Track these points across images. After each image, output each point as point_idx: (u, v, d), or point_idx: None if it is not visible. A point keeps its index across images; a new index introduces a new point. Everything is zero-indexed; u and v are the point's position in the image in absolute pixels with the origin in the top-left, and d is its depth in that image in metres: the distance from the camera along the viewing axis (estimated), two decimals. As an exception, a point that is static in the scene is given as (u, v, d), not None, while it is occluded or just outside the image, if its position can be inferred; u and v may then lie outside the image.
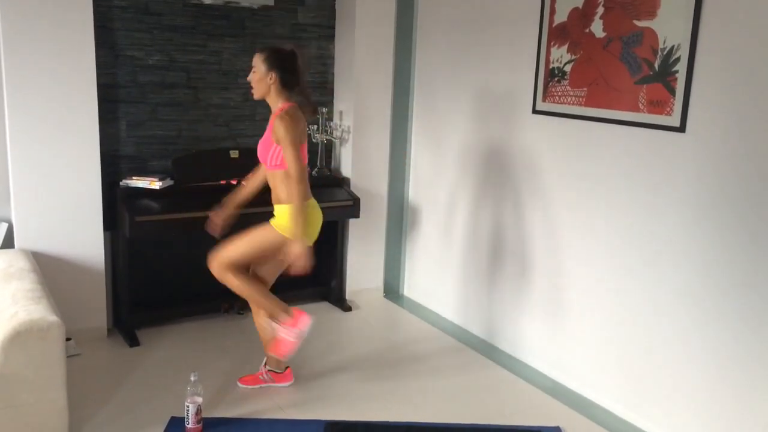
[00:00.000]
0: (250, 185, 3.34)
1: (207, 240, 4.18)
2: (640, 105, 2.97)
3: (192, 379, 2.85)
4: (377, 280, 4.65)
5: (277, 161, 3.00)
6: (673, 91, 2.84)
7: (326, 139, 4.40)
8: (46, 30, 3.36)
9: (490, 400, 3.29)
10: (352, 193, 4.29)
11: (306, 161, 3.08)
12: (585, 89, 3.23)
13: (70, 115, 3.49)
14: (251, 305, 3.28)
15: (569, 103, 3.31)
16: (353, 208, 4.23)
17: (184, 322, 4.05)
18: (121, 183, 3.73)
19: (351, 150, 4.38)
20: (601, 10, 3.12)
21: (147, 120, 3.93)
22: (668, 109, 2.86)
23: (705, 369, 2.82)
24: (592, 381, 3.34)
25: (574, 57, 3.28)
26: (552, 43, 3.39)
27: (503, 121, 3.74)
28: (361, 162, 4.41)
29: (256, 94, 3.04)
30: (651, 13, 2.90)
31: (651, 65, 2.91)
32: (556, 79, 3.38)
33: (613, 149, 3.14)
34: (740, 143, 2.63)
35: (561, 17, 3.33)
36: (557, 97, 3.38)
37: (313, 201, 3.12)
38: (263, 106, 4.25)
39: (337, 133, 4.45)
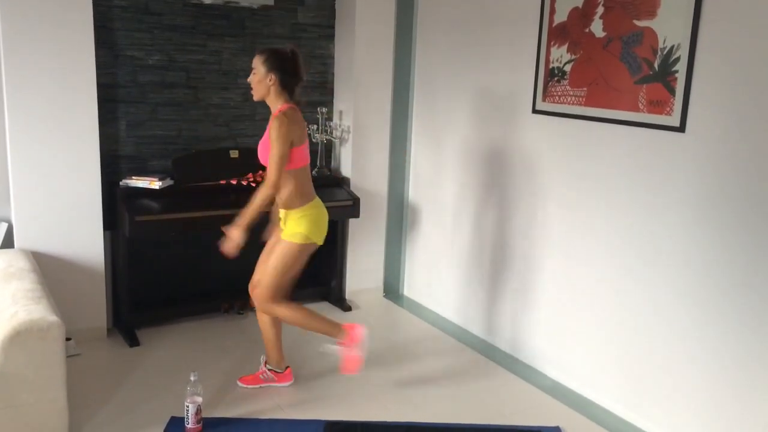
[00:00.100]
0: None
1: (207, 240, 4.19)
2: (640, 105, 2.97)
3: (192, 378, 2.85)
4: (377, 280, 4.65)
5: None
6: (673, 91, 2.84)
7: (326, 139, 4.40)
8: (46, 30, 3.36)
9: (490, 400, 3.29)
10: (352, 193, 4.29)
11: (307, 161, 3.08)
12: (585, 89, 3.23)
13: (70, 115, 3.48)
14: (256, 307, 3.27)
15: (569, 103, 3.31)
16: (353, 208, 4.23)
17: (184, 322, 4.05)
18: (121, 183, 3.73)
19: (351, 150, 4.38)
20: (601, 9, 3.12)
21: (147, 120, 3.93)
22: (668, 108, 2.86)
23: (705, 369, 2.82)
24: (592, 381, 3.34)
25: (574, 57, 3.28)
26: (552, 43, 3.39)
27: (503, 120, 3.74)
28: (360, 162, 4.41)
29: (256, 95, 3.04)
30: (651, 13, 2.90)
31: (651, 65, 2.91)
32: (556, 78, 3.38)
33: (613, 149, 3.14)
34: (740, 143, 2.63)
35: (561, 17, 3.33)
36: (557, 97, 3.38)
37: (317, 200, 3.12)
38: (263, 106, 4.24)
39: (336, 133, 4.45)
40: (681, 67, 2.79)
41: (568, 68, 3.31)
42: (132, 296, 3.82)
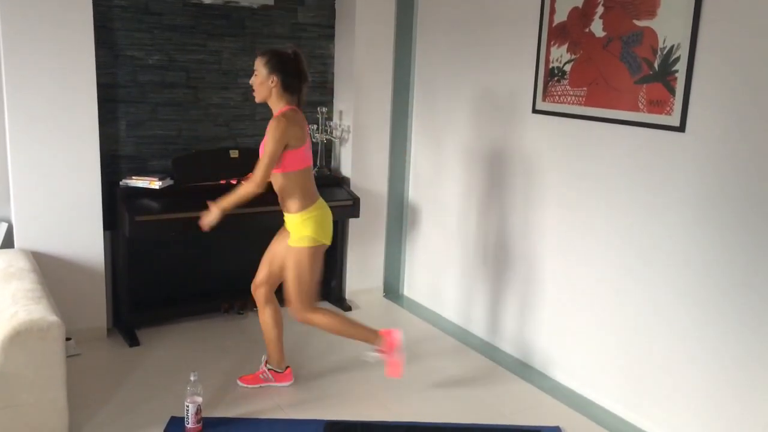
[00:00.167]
0: None
1: (207, 240, 4.19)
2: (640, 105, 2.97)
3: (192, 378, 2.85)
4: (377, 280, 4.65)
5: (281, 163, 2.98)
6: (672, 91, 2.83)
7: (326, 139, 4.40)
8: (46, 30, 3.36)
9: (490, 400, 3.28)
10: (352, 192, 4.29)
11: (309, 163, 3.07)
12: (585, 89, 3.23)
13: (70, 114, 3.48)
14: (258, 303, 3.27)
15: (569, 103, 3.31)
16: (353, 207, 4.23)
17: (184, 321, 4.05)
18: (120, 183, 3.73)
19: (351, 149, 4.38)
20: (600, 9, 3.12)
21: (147, 120, 3.93)
22: (668, 108, 2.86)
23: (705, 369, 2.82)
24: (592, 380, 3.34)
25: (573, 56, 3.28)
26: (552, 43, 3.39)
27: (503, 120, 3.74)
28: (360, 161, 4.41)
29: (258, 97, 3.03)
30: (651, 13, 2.90)
31: (651, 65, 2.91)
32: (555, 78, 3.38)
33: (612, 149, 3.14)
34: (740, 143, 2.63)
35: (561, 17, 3.33)
36: (557, 97, 3.38)
37: (320, 201, 3.11)
38: (263, 106, 4.23)
39: (336, 133, 4.45)
40: (681, 67, 2.79)
41: (568, 68, 3.31)
42: (132, 296, 3.82)
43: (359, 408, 3.17)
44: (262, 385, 3.31)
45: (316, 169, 4.32)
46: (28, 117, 3.40)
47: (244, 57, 4.14)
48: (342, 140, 4.44)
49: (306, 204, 3.04)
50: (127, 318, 3.81)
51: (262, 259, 3.26)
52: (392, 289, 4.76)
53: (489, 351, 3.85)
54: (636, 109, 2.99)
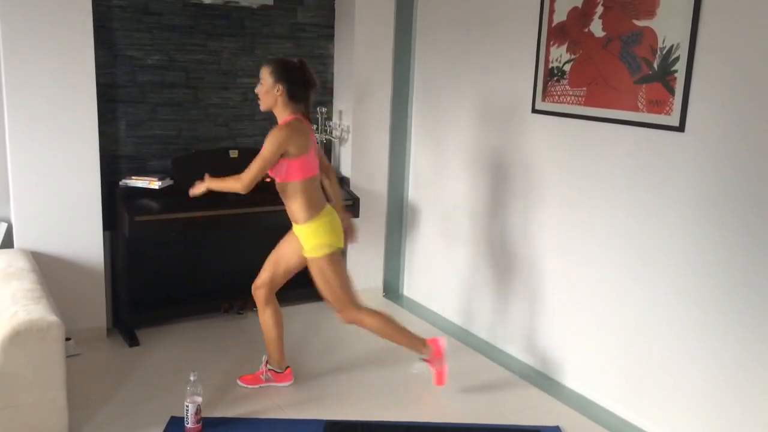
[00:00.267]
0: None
1: (207, 240, 4.19)
2: (640, 104, 2.97)
3: (191, 378, 2.85)
4: (377, 280, 4.65)
5: (284, 173, 2.98)
6: (672, 91, 2.84)
7: (326, 139, 4.40)
8: (46, 30, 3.36)
9: (489, 400, 3.29)
10: (352, 192, 4.29)
11: (314, 172, 3.05)
12: (584, 89, 3.23)
13: (70, 114, 3.48)
14: (258, 304, 3.26)
15: (569, 103, 3.31)
16: (353, 207, 4.22)
17: (183, 321, 4.05)
18: (120, 183, 3.73)
19: (350, 149, 4.38)
20: (600, 9, 3.12)
21: (146, 120, 3.93)
22: (667, 108, 2.86)
23: (705, 369, 2.82)
24: (592, 380, 3.34)
25: (573, 56, 3.28)
26: (551, 43, 3.39)
27: (503, 120, 3.74)
28: (360, 161, 4.41)
29: (263, 105, 3.03)
30: (650, 13, 2.90)
31: (650, 65, 2.91)
32: (555, 78, 3.38)
33: (612, 149, 3.14)
34: (740, 143, 2.63)
35: (560, 17, 3.33)
36: (557, 97, 3.38)
37: (328, 208, 3.10)
38: (263, 106, 4.27)
39: (336, 133, 4.45)
40: (680, 67, 2.79)
41: (567, 68, 3.31)
42: (132, 296, 3.82)
43: (359, 408, 3.17)
44: (262, 385, 3.31)
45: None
46: (28, 117, 3.40)
47: (244, 57, 4.14)
48: (341, 140, 4.44)
49: (312, 213, 3.03)
50: (127, 318, 3.81)
51: (267, 260, 3.25)
52: (392, 289, 4.76)
53: (489, 351, 3.85)
54: (635, 109, 2.99)
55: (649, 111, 2.93)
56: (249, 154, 4.04)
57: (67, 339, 3.40)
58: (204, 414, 2.95)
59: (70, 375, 2.79)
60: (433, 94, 4.30)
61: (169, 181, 3.81)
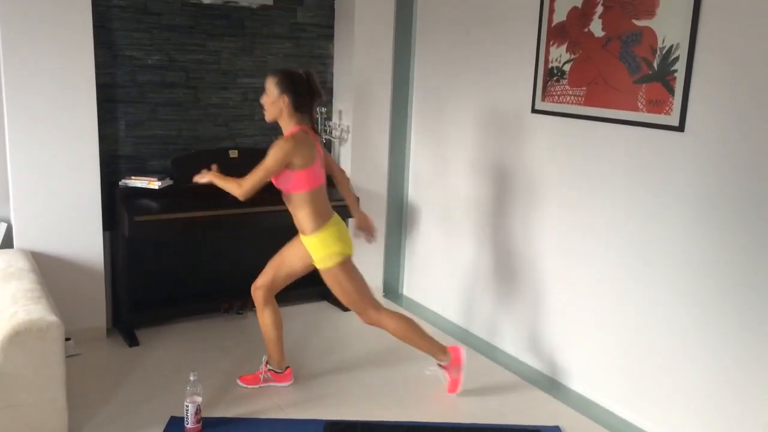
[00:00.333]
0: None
1: (206, 240, 4.19)
2: (639, 104, 2.97)
3: (191, 378, 2.85)
4: (377, 280, 4.64)
5: (290, 184, 2.98)
6: (672, 91, 2.84)
7: (325, 139, 4.39)
8: (45, 30, 3.36)
9: (489, 400, 3.28)
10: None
11: (321, 182, 3.04)
12: (584, 88, 3.23)
13: (70, 115, 3.48)
14: (256, 304, 3.26)
15: (568, 103, 3.31)
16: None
17: (183, 321, 4.05)
18: (120, 183, 3.73)
19: (350, 149, 4.38)
20: (600, 9, 3.12)
21: (146, 120, 3.93)
22: (667, 108, 2.86)
23: (705, 369, 2.82)
24: (592, 380, 3.34)
25: (573, 56, 3.28)
26: (551, 43, 3.39)
27: (502, 120, 3.74)
28: (360, 161, 4.41)
29: (268, 116, 3.03)
30: (650, 13, 2.90)
31: (650, 64, 2.91)
32: (555, 78, 3.38)
33: (612, 149, 3.14)
34: (740, 142, 2.63)
35: (560, 16, 3.33)
36: (556, 97, 3.38)
37: (335, 217, 3.10)
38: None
39: (336, 133, 4.45)
40: (680, 67, 2.79)
41: (567, 68, 3.31)
42: (131, 296, 3.82)
43: (359, 408, 3.17)
44: (262, 385, 3.31)
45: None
46: (28, 117, 3.40)
47: (244, 57, 4.14)
48: (341, 140, 4.44)
49: (319, 223, 3.02)
50: (127, 318, 3.81)
51: (269, 262, 3.25)
52: (392, 289, 4.76)
53: (489, 351, 3.85)
54: (635, 108, 2.99)
55: (649, 111, 2.93)
56: (249, 154, 4.07)
57: (67, 339, 3.41)
58: (204, 414, 2.95)
59: (69, 375, 2.79)
60: (433, 94, 4.30)
61: (168, 181, 3.81)
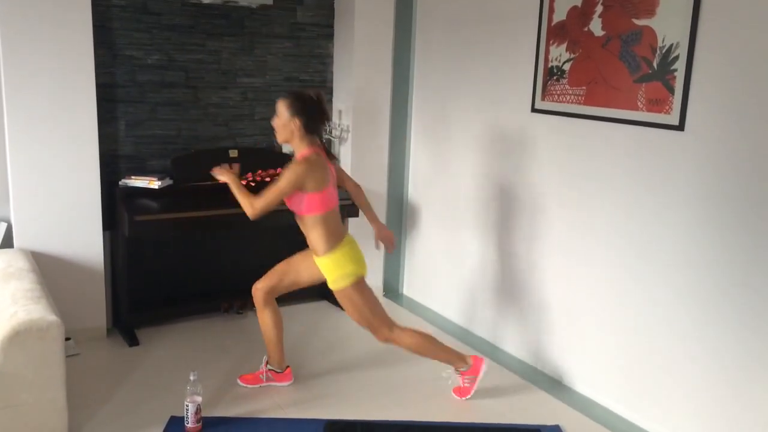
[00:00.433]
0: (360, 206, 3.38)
1: (206, 240, 4.19)
2: (639, 103, 2.97)
3: (191, 378, 2.85)
4: (377, 279, 4.64)
5: (303, 207, 2.97)
6: (672, 90, 2.83)
7: (325, 138, 4.39)
8: (45, 30, 3.36)
9: (489, 399, 3.28)
10: (352, 192, 4.28)
11: (334, 204, 3.04)
12: (584, 88, 3.23)
13: (69, 114, 3.48)
14: (256, 304, 3.26)
15: (568, 102, 3.31)
16: (352, 207, 4.20)
17: (183, 321, 4.05)
18: (120, 183, 3.73)
19: (350, 149, 4.38)
20: (600, 8, 3.12)
21: (146, 119, 3.93)
22: (667, 107, 2.86)
23: (705, 368, 2.82)
24: (592, 380, 3.34)
25: (573, 56, 3.28)
26: (551, 42, 3.39)
27: (502, 119, 3.74)
28: (360, 161, 4.41)
29: (280, 138, 3.03)
30: (650, 12, 2.90)
31: (650, 64, 2.91)
32: (555, 77, 3.38)
33: (612, 148, 3.13)
34: (739, 142, 2.63)
35: (560, 16, 3.33)
36: (556, 96, 3.38)
37: (348, 237, 3.10)
38: (262, 105, 4.27)
39: (336, 132, 4.45)
40: (680, 66, 2.79)
41: (567, 67, 3.31)
42: (131, 296, 3.82)
43: (359, 407, 3.17)
44: (262, 384, 3.31)
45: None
46: (28, 117, 3.40)
47: (243, 57, 4.14)
48: (341, 140, 4.44)
49: (332, 245, 3.02)
50: (127, 318, 3.81)
51: (276, 267, 3.24)
52: (392, 288, 4.76)
53: (489, 350, 3.85)
54: (635, 108, 2.99)
55: (649, 110, 2.93)
56: (248, 153, 4.07)
57: (67, 339, 3.41)
58: (204, 413, 2.95)
59: (69, 375, 2.79)
60: (432, 93, 4.30)
61: (168, 181, 3.81)
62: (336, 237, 3.03)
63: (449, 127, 4.16)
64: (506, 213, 3.76)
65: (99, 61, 3.63)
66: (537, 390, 3.41)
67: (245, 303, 4.08)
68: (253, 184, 3.81)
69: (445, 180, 4.24)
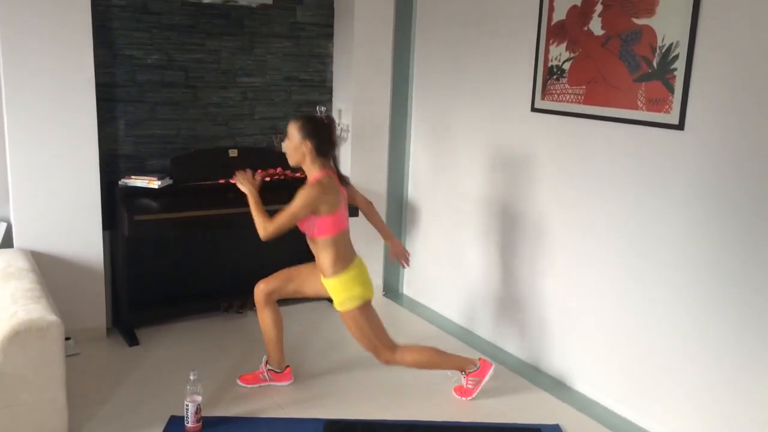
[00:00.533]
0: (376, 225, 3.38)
1: (206, 239, 4.19)
2: (639, 103, 2.97)
3: (191, 377, 2.85)
4: (377, 279, 4.64)
5: (315, 229, 2.98)
6: (671, 89, 2.83)
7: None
8: (45, 29, 3.36)
9: (490, 398, 3.28)
10: (352, 191, 4.28)
11: (345, 225, 3.04)
12: (584, 87, 3.23)
13: (69, 114, 3.48)
14: (257, 303, 3.26)
15: (568, 101, 3.31)
16: (352, 206, 4.21)
17: (183, 321, 4.05)
18: (119, 182, 3.73)
19: (350, 148, 4.38)
20: (599, 7, 3.12)
21: (146, 119, 3.92)
22: (667, 106, 2.86)
23: (705, 368, 2.82)
24: (592, 379, 3.34)
25: (572, 55, 3.28)
26: (551, 41, 3.39)
27: (502, 119, 3.74)
28: (360, 160, 4.41)
29: (291, 161, 3.03)
30: (649, 11, 2.90)
31: (650, 63, 2.91)
32: (554, 77, 3.38)
33: (612, 147, 3.13)
34: (739, 141, 2.63)
35: (560, 15, 3.33)
36: (556, 95, 3.38)
37: (357, 260, 3.10)
38: (262, 105, 4.27)
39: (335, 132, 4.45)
40: (680, 65, 2.79)
41: (566, 66, 3.31)
42: (131, 295, 3.81)
43: (359, 407, 3.17)
44: (262, 384, 3.31)
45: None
46: (27, 116, 3.40)
47: (243, 56, 4.14)
48: (341, 139, 4.44)
49: (340, 268, 3.02)
50: (127, 317, 3.81)
51: (283, 270, 3.24)
52: (392, 288, 4.76)
53: (489, 349, 3.85)
54: (635, 107, 2.99)
55: (649, 109, 2.93)
56: (248, 153, 4.07)
57: (67, 338, 3.41)
58: (204, 413, 2.95)
59: (69, 375, 2.79)
60: (432, 92, 4.30)
61: (168, 181, 3.81)
62: (345, 260, 3.04)
63: (449, 126, 4.16)
64: (506, 213, 3.75)
65: (99, 60, 3.62)
66: (537, 389, 3.41)
67: (245, 303, 4.08)
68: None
69: (445, 179, 4.24)
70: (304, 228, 3.01)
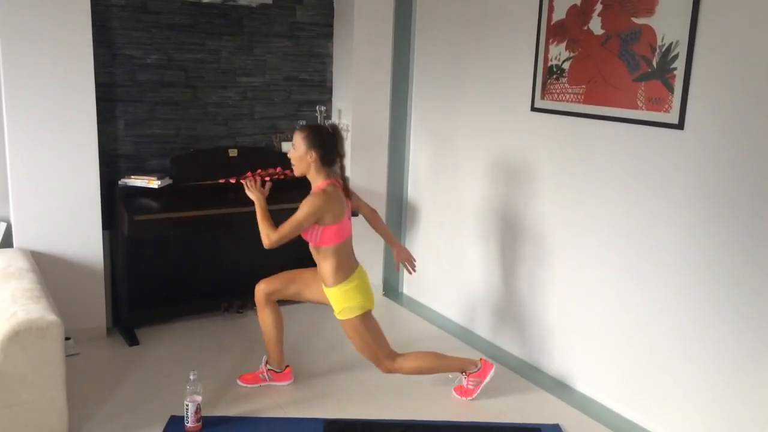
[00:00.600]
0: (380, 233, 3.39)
1: (206, 239, 4.19)
2: (639, 102, 2.97)
3: (191, 377, 2.85)
4: (376, 278, 4.64)
5: (319, 238, 2.98)
6: (671, 89, 2.83)
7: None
8: (44, 29, 3.35)
9: (489, 398, 3.28)
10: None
11: (348, 234, 3.05)
12: (583, 87, 3.23)
13: (69, 114, 3.48)
14: (257, 302, 3.26)
15: (568, 101, 3.31)
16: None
17: (183, 321, 4.05)
18: (119, 182, 3.73)
19: (350, 148, 4.37)
20: (599, 7, 3.12)
21: (145, 119, 3.92)
22: (667, 106, 2.86)
23: (705, 368, 2.82)
24: (592, 379, 3.34)
25: (572, 54, 3.28)
26: (550, 41, 3.39)
27: (502, 118, 3.74)
28: (360, 160, 4.41)
29: (297, 171, 3.04)
30: (649, 10, 2.90)
31: (649, 62, 2.91)
32: (554, 76, 3.38)
33: (611, 147, 3.13)
34: (739, 140, 2.63)
35: (560, 14, 3.33)
36: (556, 95, 3.38)
37: (359, 270, 3.10)
38: (262, 105, 4.27)
39: (336, 132, 4.45)
40: (679, 65, 2.79)
41: (566, 66, 3.31)
42: (131, 295, 3.81)
43: (359, 406, 3.17)
44: (262, 384, 3.31)
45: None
46: (27, 116, 3.40)
47: (243, 56, 4.14)
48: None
49: (342, 277, 3.03)
50: (127, 317, 3.81)
51: (285, 272, 3.25)
52: (391, 288, 4.76)
53: (489, 349, 3.85)
54: (635, 106, 2.99)
55: (649, 109, 2.93)
56: (248, 153, 4.07)
57: (67, 338, 3.41)
58: (204, 413, 2.95)
59: (69, 374, 2.79)
60: (432, 92, 4.30)
61: (168, 180, 3.81)
62: (347, 269, 3.04)
63: (449, 126, 4.16)
64: (506, 212, 3.75)
65: (98, 60, 3.62)
66: (537, 389, 3.41)
67: (245, 302, 4.09)
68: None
69: (445, 179, 4.24)
70: (308, 237, 3.01)
